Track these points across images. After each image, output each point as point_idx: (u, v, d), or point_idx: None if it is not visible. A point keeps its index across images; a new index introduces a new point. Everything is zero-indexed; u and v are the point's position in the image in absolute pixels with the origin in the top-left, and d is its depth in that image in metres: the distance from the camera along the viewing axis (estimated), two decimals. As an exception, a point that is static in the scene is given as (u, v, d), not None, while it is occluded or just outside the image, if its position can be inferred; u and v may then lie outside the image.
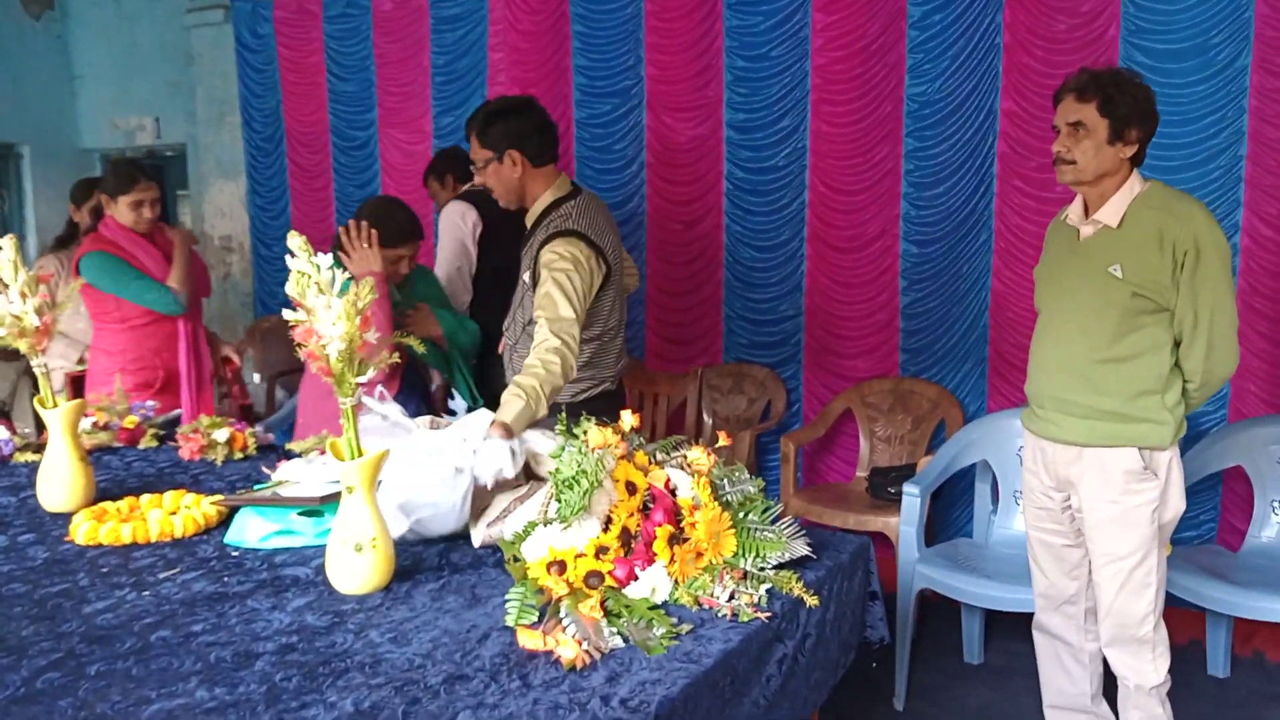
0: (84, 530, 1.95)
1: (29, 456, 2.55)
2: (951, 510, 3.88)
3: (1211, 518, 3.46)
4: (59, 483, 2.13)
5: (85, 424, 2.67)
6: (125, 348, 3.23)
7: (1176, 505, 2.27)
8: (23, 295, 2.12)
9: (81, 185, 4.08)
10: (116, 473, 2.47)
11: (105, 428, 2.74)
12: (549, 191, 2.51)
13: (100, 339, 3.27)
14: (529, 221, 2.56)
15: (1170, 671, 2.32)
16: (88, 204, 3.84)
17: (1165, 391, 2.23)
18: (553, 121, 2.53)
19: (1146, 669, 2.29)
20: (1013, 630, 3.16)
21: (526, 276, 2.52)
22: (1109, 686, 2.46)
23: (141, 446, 2.71)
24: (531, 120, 2.46)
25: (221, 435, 2.55)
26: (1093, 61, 3.39)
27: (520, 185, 2.48)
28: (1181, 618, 2.98)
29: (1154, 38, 3.37)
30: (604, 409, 2.23)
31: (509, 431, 2.00)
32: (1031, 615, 2.57)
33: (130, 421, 2.76)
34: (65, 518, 2.07)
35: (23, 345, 2.13)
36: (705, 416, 4.21)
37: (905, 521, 3.00)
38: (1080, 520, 2.35)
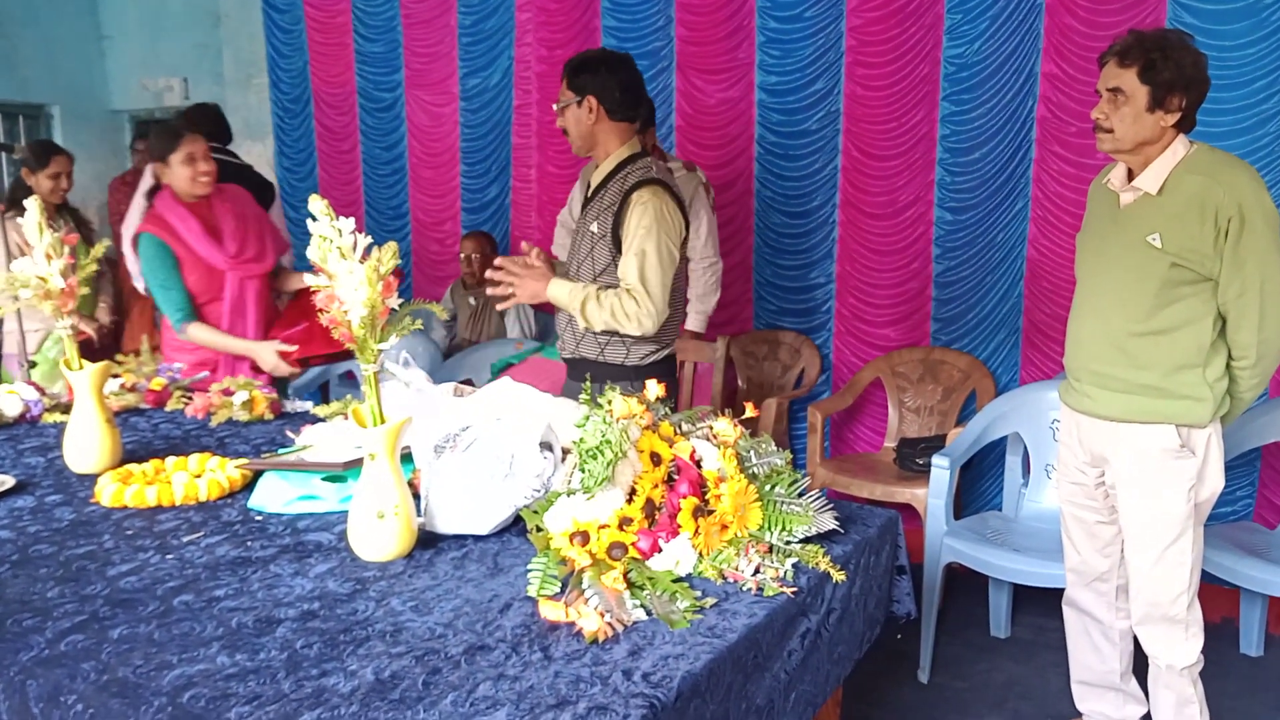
0: (109, 492, 1.95)
1: (58, 417, 2.57)
2: (981, 483, 3.83)
3: (1249, 494, 3.40)
4: (85, 444, 2.14)
5: (113, 385, 2.69)
6: None
7: (1214, 483, 2.21)
8: (48, 257, 2.12)
9: (37, 150, 3.95)
10: (143, 434, 2.48)
11: (132, 389, 2.75)
12: (623, 148, 2.54)
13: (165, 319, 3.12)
14: (596, 178, 2.57)
15: (1203, 650, 2.27)
16: (45, 170, 3.84)
17: (1206, 366, 2.16)
18: (641, 83, 2.57)
19: (1178, 649, 2.25)
20: (1041, 604, 3.12)
21: (595, 227, 2.53)
22: (1139, 663, 2.42)
23: (168, 409, 2.72)
24: (618, 75, 2.52)
25: (240, 398, 2.55)
26: (1138, 22, 3.28)
27: (592, 134, 2.52)
28: (1215, 595, 2.93)
29: (1203, -3, 3.25)
30: (665, 373, 2.43)
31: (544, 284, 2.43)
32: (1061, 590, 2.54)
33: (157, 383, 2.77)
34: (91, 479, 2.08)
35: (48, 307, 2.13)
36: (740, 383, 4.18)
37: (934, 494, 2.96)
38: (1114, 497, 2.30)
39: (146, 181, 4.39)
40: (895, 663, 2.91)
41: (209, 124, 3.92)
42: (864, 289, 4.01)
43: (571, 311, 2.45)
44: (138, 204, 4.32)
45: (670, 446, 1.72)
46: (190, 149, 2.93)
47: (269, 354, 2.89)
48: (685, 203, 2.54)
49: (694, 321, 3.77)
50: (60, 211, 3.97)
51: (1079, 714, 2.56)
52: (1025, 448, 3.19)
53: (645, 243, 2.39)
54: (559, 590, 1.51)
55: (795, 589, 1.58)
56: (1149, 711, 2.38)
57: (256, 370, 2.97)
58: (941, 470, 2.94)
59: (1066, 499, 2.43)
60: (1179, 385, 2.16)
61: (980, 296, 3.80)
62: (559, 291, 2.45)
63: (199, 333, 2.95)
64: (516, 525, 1.82)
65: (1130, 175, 2.20)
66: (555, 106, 2.56)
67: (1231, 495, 3.35)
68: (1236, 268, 2.08)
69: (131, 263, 4.56)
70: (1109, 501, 2.34)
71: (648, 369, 2.52)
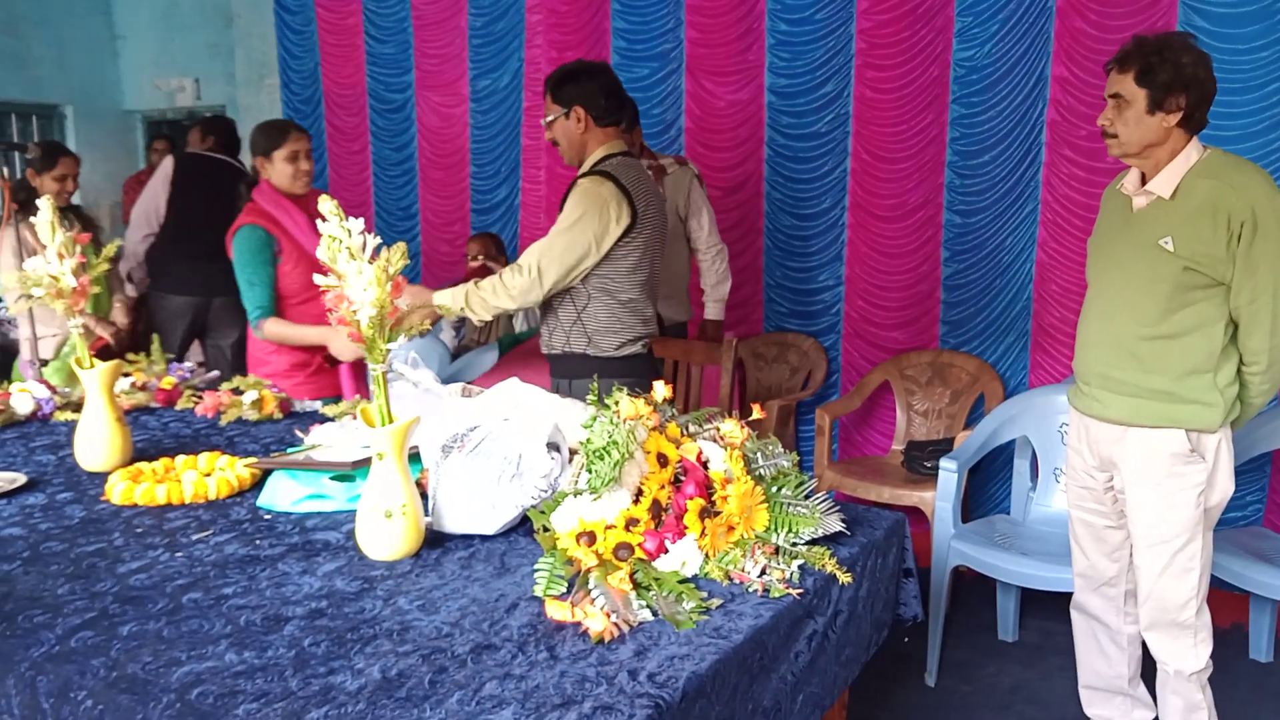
0: (120, 490, 1.96)
1: (69, 415, 2.58)
2: (989, 486, 3.82)
3: (1259, 499, 3.38)
4: (96, 442, 2.15)
5: (124, 384, 2.70)
6: None
7: (1224, 488, 2.20)
8: (60, 256, 2.13)
9: (44, 151, 3.94)
10: (153, 433, 2.49)
11: (143, 388, 2.76)
12: (602, 149, 2.59)
13: None
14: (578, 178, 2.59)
15: (1212, 656, 2.27)
16: (51, 172, 3.86)
17: (1217, 371, 2.15)
18: (621, 88, 2.61)
19: (1187, 654, 2.24)
20: (1048, 608, 3.11)
21: None
22: (1148, 669, 2.41)
23: (178, 407, 2.73)
24: (600, 82, 2.56)
25: (249, 397, 2.57)
26: (1149, 26, 3.27)
27: (582, 142, 2.58)
28: (1225, 600, 2.92)
29: (1214, 0, 3.24)
30: (641, 370, 2.42)
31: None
32: (1069, 594, 2.53)
33: (168, 382, 2.78)
34: (102, 477, 2.09)
35: (60, 306, 2.14)
36: (749, 385, 4.18)
37: (941, 497, 2.95)
38: (1123, 501, 2.29)
39: (165, 169, 4.39)
40: (902, 666, 2.91)
41: (224, 135, 3.98)
42: (873, 291, 4.01)
43: (457, 309, 2.49)
44: (155, 190, 4.32)
45: (677, 448, 1.72)
46: (294, 147, 2.97)
47: (340, 339, 2.88)
48: (635, 197, 2.51)
49: (712, 310, 3.80)
50: (65, 214, 3.98)
51: (1086, 719, 2.56)
52: (1033, 451, 3.18)
53: (561, 223, 2.46)
54: (565, 590, 1.52)
55: (801, 591, 1.58)
56: (1157, 717, 2.38)
57: (330, 360, 3.00)
58: (949, 473, 2.94)
59: (1075, 503, 2.42)
60: (1189, 390, 2.16)
61: (989, 300, 3.80)
62: (443, 298, 2.50)
63: (273, 328, 2.97)
64: (523, 525, 1.82)
65: (1143, 180, 2.20)
66: (543, 122, 2.60)
67: (1241, 500, 3.34)
68: (1249, 272, 2.07)
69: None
70: (1117, 506, 2.33)
71: (619, 363, 2.53)
